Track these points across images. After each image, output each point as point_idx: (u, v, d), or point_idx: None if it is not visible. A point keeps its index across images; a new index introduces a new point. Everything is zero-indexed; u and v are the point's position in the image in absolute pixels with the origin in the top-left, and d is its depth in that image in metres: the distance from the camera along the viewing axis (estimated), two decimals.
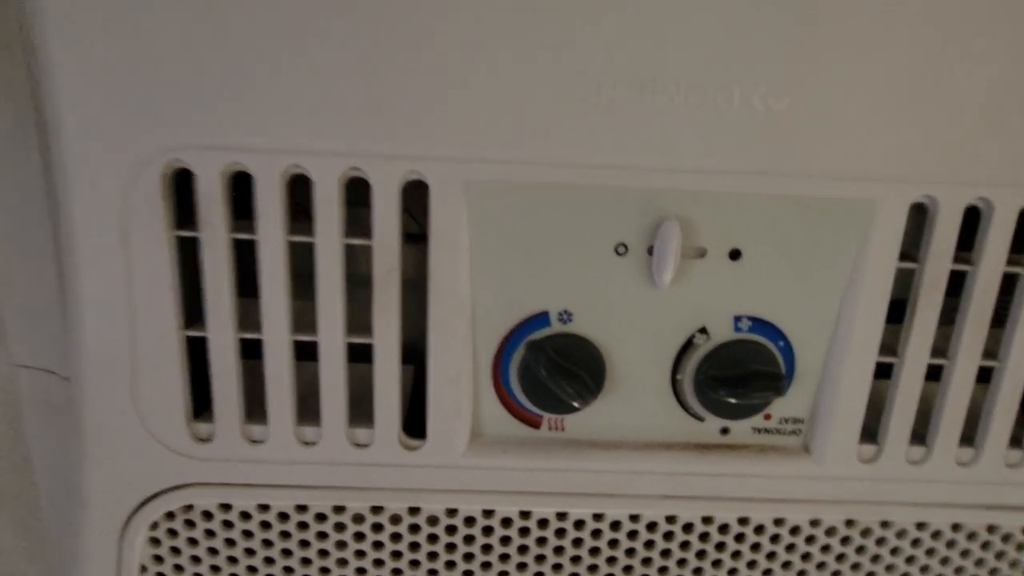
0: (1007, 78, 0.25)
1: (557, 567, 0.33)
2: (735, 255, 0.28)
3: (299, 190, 0.27)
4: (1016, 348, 0.29)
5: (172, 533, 0.31)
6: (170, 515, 0.31)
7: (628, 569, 0.33)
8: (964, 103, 0.26)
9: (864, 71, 0.25)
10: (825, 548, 0.33)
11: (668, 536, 0.32)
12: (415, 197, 0.27)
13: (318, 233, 0.27)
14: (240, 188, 0.27)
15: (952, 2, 0.24)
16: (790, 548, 0.32)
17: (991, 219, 0.27)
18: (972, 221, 0.28)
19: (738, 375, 0.29)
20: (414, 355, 0.30)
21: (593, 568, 0.33)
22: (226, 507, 0.31)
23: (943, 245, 0.28)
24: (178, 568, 0.32)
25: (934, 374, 0.30)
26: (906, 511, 0.32)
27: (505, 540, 0.32)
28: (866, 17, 0.25)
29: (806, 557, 0.33)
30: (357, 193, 0.27)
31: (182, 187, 0.27)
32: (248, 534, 0.31)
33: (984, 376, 0.30)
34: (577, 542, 0.32)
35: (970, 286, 0.28)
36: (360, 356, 0.29)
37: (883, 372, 0.30)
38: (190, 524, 0.31)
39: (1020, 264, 0.28)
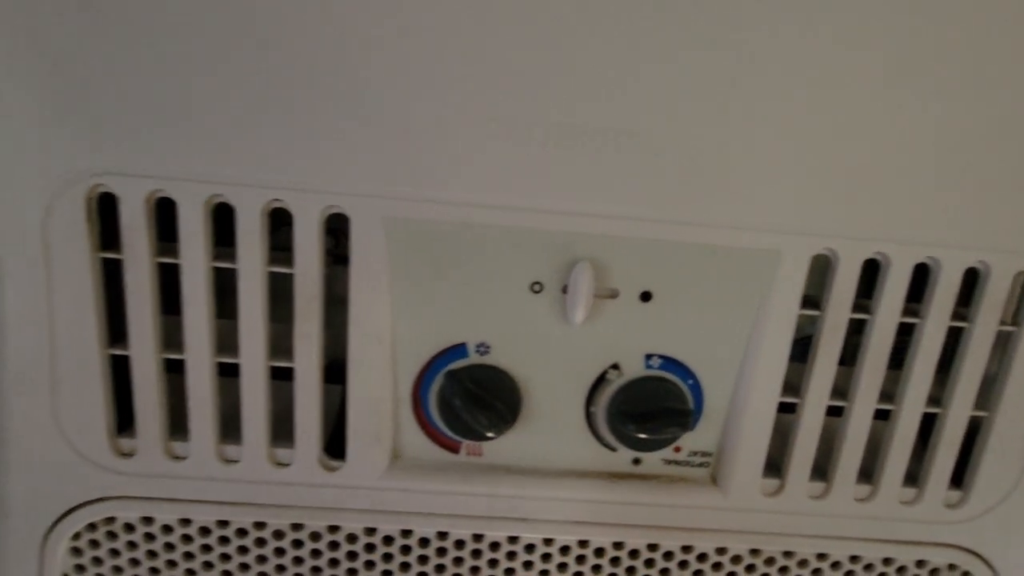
0: (906, 136, 0.27)
1: None
2: (646, 297, 0.29)
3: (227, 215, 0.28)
4: (911, 391, 0.31)
5: (94, 544, 0.32)
6: (92, 527, 0.31)
7: None
8: (864, 160, 0.27)
9: (768, 126, 0.26)
10: (731, 575, 0.34)
11: (580, 560, 0.33)
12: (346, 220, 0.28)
13: (241, 260, 0.27)
14: (169, 209, 0.28)
15: (852, 60, 0.26)
16: (697, 574, 0.34)
17: (888, 272, 0.29)
18: (874, 270, 0.30)
19: (648, 411, 0.30)
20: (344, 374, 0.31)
21: None
22: (148, 520, 0.31)
23: (843, 295, 0.29)
24: None
25: (839, 411, 0.32)
26: (808, 542, 0.33)
27: (423, 559, 0.33)
28: (770, 74, 0.26)
29: None
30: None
31: (111, 206, 0.27)
32: (170, 547, 0.32)
33: (885, 414, 0.32)
34: (493, 563, 0.33)
35: (868, 333, 0.30)
36: (287, 373, 0.30)
37: (792, 408, 0.32)
38: (112, 536, 0.31)
39: (915, 313, 0.30)
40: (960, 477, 0.33)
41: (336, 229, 0.29)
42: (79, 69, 0.25)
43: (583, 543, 0.33)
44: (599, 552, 0.33)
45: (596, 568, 0.34)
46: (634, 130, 0.26)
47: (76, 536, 0.31)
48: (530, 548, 0.33)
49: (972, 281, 0.30)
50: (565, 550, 0.33)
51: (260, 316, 0.28)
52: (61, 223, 0.27)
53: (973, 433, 0.32)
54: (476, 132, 0.26)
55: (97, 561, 0.32)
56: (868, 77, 0.26)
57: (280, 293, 0.29)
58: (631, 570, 0.34)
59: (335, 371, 0.30)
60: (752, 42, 0.25)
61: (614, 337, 0.30)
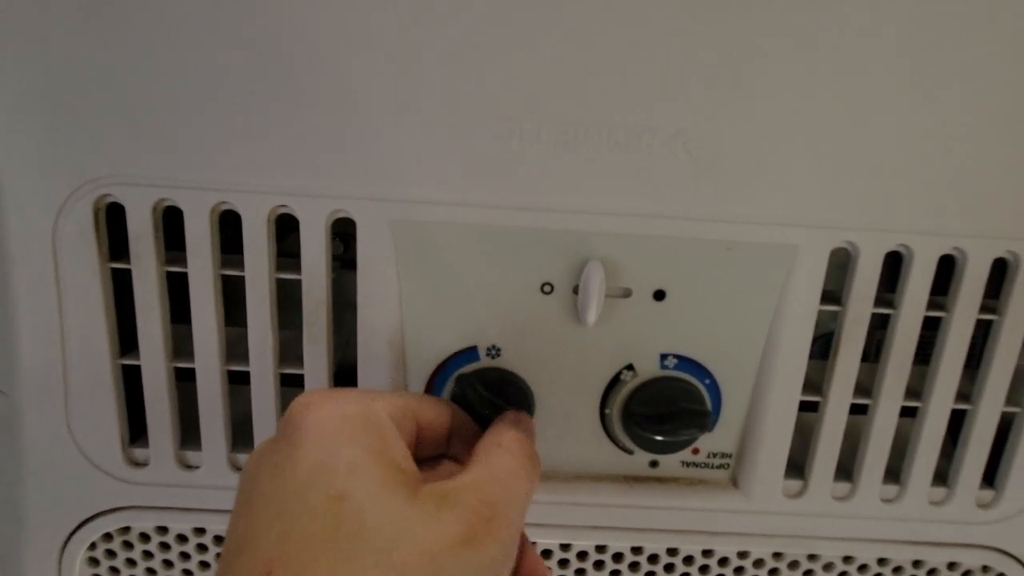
0: (926, 128, 0.26)
1: None
2: (660, 295, 0.28)
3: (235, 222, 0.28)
4: (939, 386, 0.30)
5: (110, 554, 0.32)
6: (108, 536, 0.31)
7: None
8: (885, 152, 0.26)
9: (782, 123, 0.26)
10: None
11: (598, 565, 0.33)
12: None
13: (248, 267, 0.27)
14: (177, 217, 0.28)
15: (872, 53, 0.25)
16: None
17: (911, 265, 0.28)
18: (898, 262, 0.29)
19: (665, 412, 0.29)
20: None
21: None
22: (163, 530, 0.31)
23: (864, 289, 0.28)
24: None
25: (863, 409, 0.31)
26: (833, 545, 0.32)
27: None
28: (787, 66, 0.25)
29: None
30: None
31: (119, 216, 0.27)
32: (185, 556, 0.32)
33: (911, 411, 0.31)
34: None
35: (892, 328, 0.29)
36: (300, 381, 0.30)
37: (814, 407, 0.31)
38: (128, 545, 0.31)
39: (941, 307, 0.29)
40: (992, 476, 0.32)
41: (344, 233, 0.29)
42: (83, 78, 0.25)
43: (601, 548, 0.32)
44: (617, 557, 0.33)
45: (615, 573, 0.33)
46: (645, 125, 0.25)
47: (92, 546, 0.31)
48: (547, 554, 0.32)
49: (1002, 269, 0.29)
50: (583, 555, 0.32)
51: (268, 322, 0.28)
52: (70, 233, 0.27)
53: (1005, 430, 0.31)
54: (483, 132, 0.25)
55: (114, 571, 0.32)
56: (887, 67, 0.25)
57: (289, 299, 0.29)
58: (651, 575, 0.33)
59: (348, 377, 0.30)
60: (768, 33, 0.25)
61: (628, 337, 0.29)
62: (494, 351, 0.29)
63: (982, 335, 0.30)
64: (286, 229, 0.28)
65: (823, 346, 0.31)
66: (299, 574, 0.17)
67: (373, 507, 0.18)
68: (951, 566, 0.33)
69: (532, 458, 0.22)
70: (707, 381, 0.30)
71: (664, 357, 0.29)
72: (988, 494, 0.32)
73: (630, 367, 0.29)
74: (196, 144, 0.25)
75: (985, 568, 0.33)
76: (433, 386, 0.30)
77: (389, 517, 0.18)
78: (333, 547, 0.17)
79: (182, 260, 0.27)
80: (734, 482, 0.32)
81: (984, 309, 0.29)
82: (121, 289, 0.28)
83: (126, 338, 0.29)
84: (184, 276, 0.28)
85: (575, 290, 0.28)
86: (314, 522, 0.18)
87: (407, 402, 0.22)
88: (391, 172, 0.26)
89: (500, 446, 0.22)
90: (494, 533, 0.19)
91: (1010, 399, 0.30)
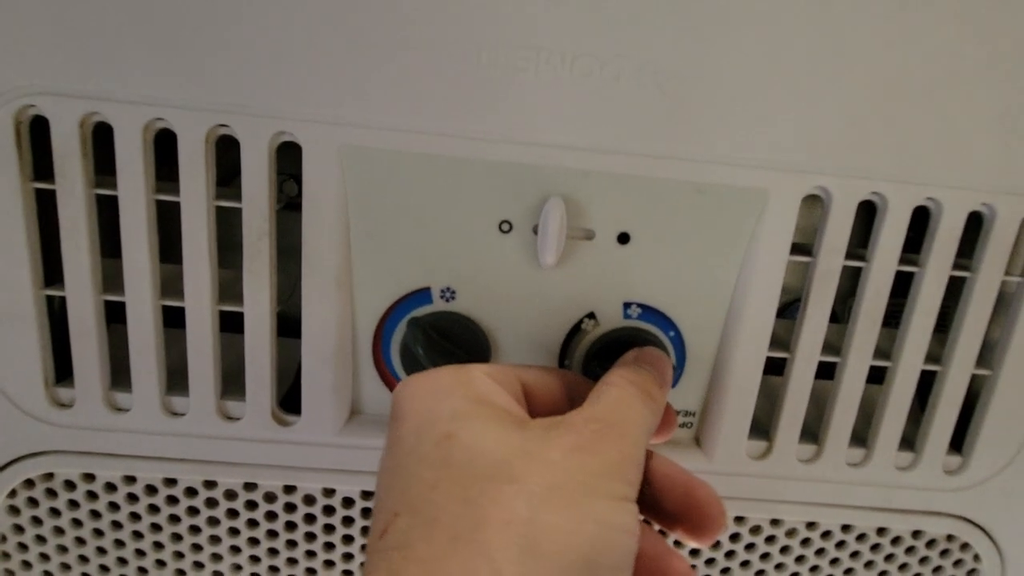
0: (903, 72, 0.25)
1: None
2: (624, 239, 0.27)
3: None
4: (909, 346, 0.29)
5: (32, 502, 0.30)
6: (30, 483, 0.29)
7: None
8: (860, 95, 0.25)
9: (759, 59, 0.24)
10: (715, 544, 0.32)
11: None
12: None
13: (184, 193, 0.25)
14: (109, 136, 0.26)
15: None
16: (677, 544, 0.32)
17: (885, 214, 0.27)
18: (872, 219, 0.28)
19: None
20: None
21: None
22: (89, 477, 0.29)
23: (835, 239, 0.27)
24: (40, 539, 0.30)
25: (831, 372, 0.30)
26: (796, 510, 0.31)
27: None
28: (763, 4, 0.24)
29: (695, 552, 0.32)
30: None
31: (44, 131, 0.25)
32: (114, 506, 0.30)
33: (880, 375, 0.30)
34: None
35: (863, 283, 0.28)
36: (238, 320, 0.28)
37: (781, 366, 0.30)
38: (51, 493, 0.29)
39: (914, 264, 0.28)
40: (960, 442, 0.31)
41: (298, 175, 0.27)
42: None
43: None
44: None
45: None
46: (612, 56, 0.24)
47: (12, 493, 0.29)
48: None
49: (975, 228, 0.28)
50: None
51: (206, 254, 0.26)
52: None
53: (974, 395, 0.30)
54: (440, 54, 0.24)
55: (36, 521, 0.30)
56: (866, 9, 0.24)
57: (235, 244, 0.27)
58: None
59: (296, 325, 0.28)
60: None
61: (590, 283, 0.27)
62: (448, 293, 0.27)
63: (953, 301, 0.29)
64: (233, 170, 0.27)
65: (793, 312, 0.30)
66: (420, 511, 0.17)
67: (481, 438, 0.18)
68: (915, 534, 0.32)
69: (642, 388, 0.22)
70: (671, 333, 0.28)
71: (628, 306, 0.28)
72: (955, 460, 0.31)
73: (591, 315, 0.28)
74: (128, 55, 0.23)
75: (950, 537, 0.32)
76: (383, 330, 0.28)
77: (498, 443, 0.18)
78: (447, 477, 0.18)
79: (111, 184, 0.25)
80: (697, 441, 0.31)
81: (957, 267, 0.28)
82: (48, 214, 0.26)
83: (52, 268, 0.27)
84: (116, 205, 0.26)
85: (535, 230, 0.26)
86: (426, 465, 0.18)
87: (505, 366, 0.22)
88: (341, 93, 0.24)
89: (607, 383, 0.22)
90: (606, 441, 0.19)
91: (981, 362, 0.29)
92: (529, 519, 0.17)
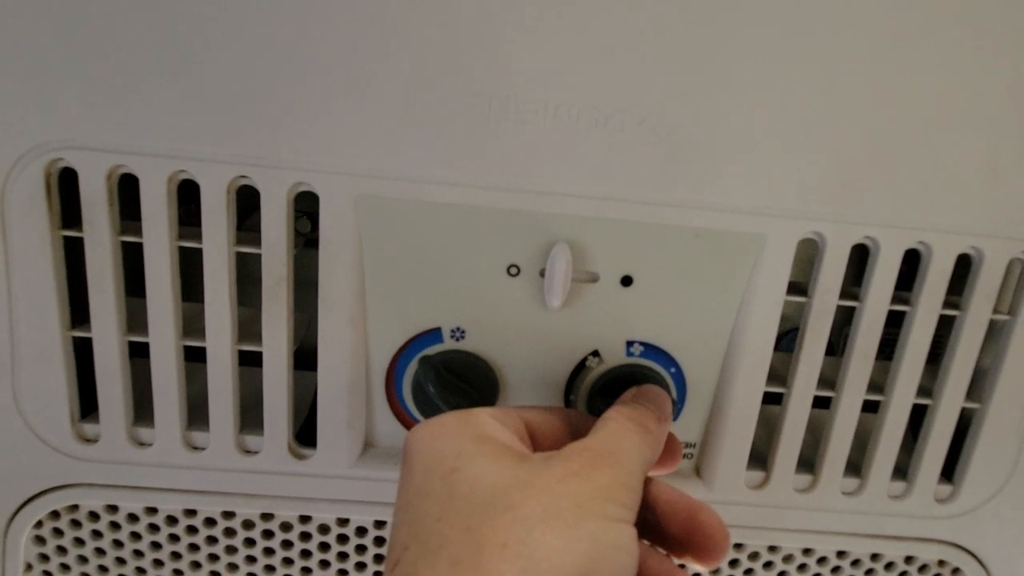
0: (893, 122, 0.26)
1: None
2: (627, 281, 0.28)
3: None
4: (901, 380, 0.30)
5: (58, 532, 0.31)
6: (55, 514, 0.30)
7: None
8: (852, 144, 0.26)
9: (755, 111, 0.25)
10: (715, 571, 0.33)
11: None
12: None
13: (206, 239, 0.26)
14: (135, 186, 0.27)
15: (842, 44, 0.25)
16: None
17: (877, 257, 0.28)
18: (866, 258, 0.29)
19: None
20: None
21: None
22: (113, 508, 0.30)
23: (830, 280, 0.28)
24: (64, 568, 0.31)
25: (826, 403, 0.31)
26: (793, 537, 0.32)
27: None
28: (759, 54, 0.25)
29: None
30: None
31: (72, 182, 0.26)
32: (136, 536, 0.31)
33: (874, 406, 0.31)
34: None
35: (856, 321, 0.29)
36: (256, 358, 0.29)
37: (778, 399, 0.31)
38: (76, 524, 0.31)
39: (906, 302, 0.29)
40: (951, 471, 0.32)
41: (314, 212, 0.28)
42: (37, 39, 0.24)
43: None
44: None
45: None
46: (616, 108, 0.25)
47: (39, 524, 0.30)
48: None
49: (965, 265, 0.29)
50: None
51: (227, 297, 0.27)
52: (19, 199, 0.26)
53: (965, 426, 0.32)
54: (451, 108, 0.25)
55: (61, 550, 0.31)
56: (857, 57, 0.25)
57: (252, 278, 0.28)
58: None
59: (311, 360, 0.29)
60: (740, 19, 0.24)
61: (594, 323, 0.29)
62: (458, 333, 0.29)
63: (945, 332, 0.30)
64: (250, 207, 0.28)
65: (790, 342, 0.31)
66: (427, 541, 0.19)
67: (483, 471, 0.20)
68: (908, 560, 0.33)
69: (637, 422, 0.23)
70: (672, 370, 0.30)
71: (630, 344, 0.29)
72: (946, 489, 0.32)
73: (595, 353, 0.29)
74: (153, 109, 0.25)
75: (941, 562, 0.33)
76: (395, 367, 0.29)
77: (499, 475, 0.19)
78: (451, 508, 0.19)
79: (136, 230, 0.26)
80: (697, 471, 0.32)
81: (948, 305, 0.29)
82: (75, 259, 0.27)
83: (79, 310, 0.28)
84: (139, 248, 0.27)
85: (542, 273, 0.28)
86: (433, 500, 0.19)
87: (508, 408, 0.23)
88: (357, 146, 0.25)
89: (605, 418, 0.23)
90: (597, 468, 0.20)
91: (971, 395, 0.30)
92: (526, 541, 0.18)
